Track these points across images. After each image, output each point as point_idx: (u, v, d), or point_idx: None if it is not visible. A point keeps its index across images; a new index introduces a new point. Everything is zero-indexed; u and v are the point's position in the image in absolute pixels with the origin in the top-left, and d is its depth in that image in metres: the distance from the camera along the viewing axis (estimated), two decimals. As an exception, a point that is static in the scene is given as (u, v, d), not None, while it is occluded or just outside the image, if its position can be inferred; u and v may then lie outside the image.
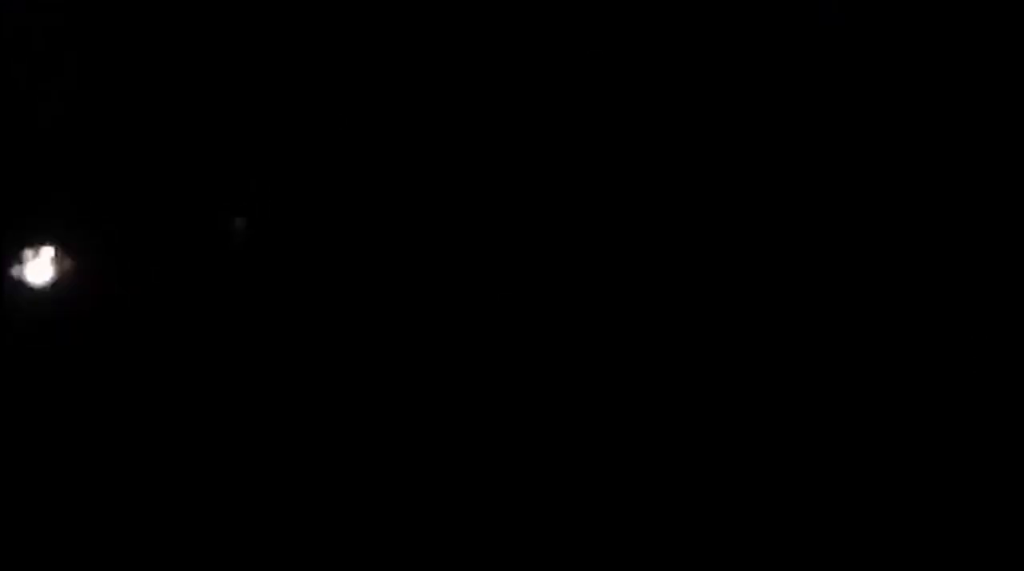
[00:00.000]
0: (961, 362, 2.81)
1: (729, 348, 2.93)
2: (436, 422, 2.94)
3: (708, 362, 2.93)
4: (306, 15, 3.13)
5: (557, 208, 3.07)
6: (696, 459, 2.83)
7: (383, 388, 2.99)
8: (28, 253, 3.01)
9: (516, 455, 2.88)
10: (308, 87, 3.14)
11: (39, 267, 3.02)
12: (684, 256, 3.01)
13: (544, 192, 3.08)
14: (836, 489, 2.74)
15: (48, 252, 3.02)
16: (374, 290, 3.08)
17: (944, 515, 2.66)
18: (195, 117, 3.12)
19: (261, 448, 2.92)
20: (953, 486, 2.69)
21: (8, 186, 3.04)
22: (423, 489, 2.85)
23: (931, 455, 2.74)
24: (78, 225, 3.07)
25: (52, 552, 2.78)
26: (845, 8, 2.91)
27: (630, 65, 3.08)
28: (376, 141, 3.14)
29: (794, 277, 2.96)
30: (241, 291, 3.07)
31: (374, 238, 3.11)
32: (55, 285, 3.01)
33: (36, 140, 3.07)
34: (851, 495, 2.72)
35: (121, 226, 3.08)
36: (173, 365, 3.01)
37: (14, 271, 3.00)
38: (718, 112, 3.04)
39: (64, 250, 3.03)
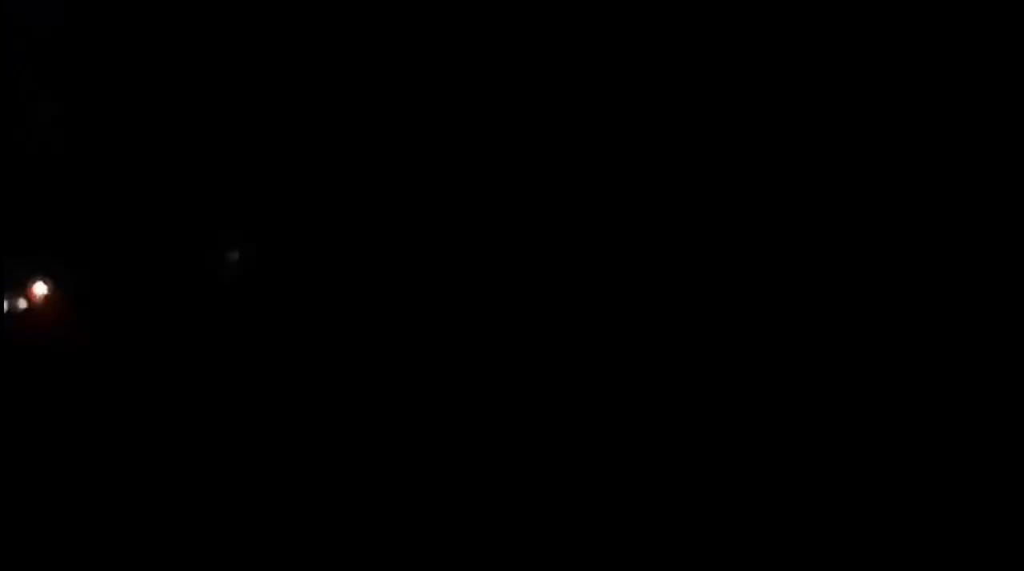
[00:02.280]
0: (961, 361, 2.80)
1: (729, 347, 2.93)
2: (434, 423, 2.95)
3: (707, 361, 2.93)
4: (291, 33, 3.14)
5: (556, 209, 3.08)
6: (695, 457, 2.83)
7: (379, 396, 3.00)
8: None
9: (515, 454, 2.88)
10: (293, 102, 3.16)
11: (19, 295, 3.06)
12: (681, 254, 3.02)
13: (543, 193, 3.09)
14: (836, 488, 2.73)
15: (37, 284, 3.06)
16: (369, 298, 3.10)
17: (944, 514, 2.65)
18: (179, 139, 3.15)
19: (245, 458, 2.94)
20: (953, 485, 2.68)
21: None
22: (422, 489, 2.86)
23: (931, 454, 2.73)
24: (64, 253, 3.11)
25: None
26: None
27: (628, 65, 3.09)
28: (367, 150, 3.16)
29: (790, 275, 2.96)
30: (235, 309, 3.10)
31: (370, 245, 3.13)
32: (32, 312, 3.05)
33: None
34: (851, 494, 2.72)
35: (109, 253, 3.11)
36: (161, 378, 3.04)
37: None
38: (716, 112, 3.05)
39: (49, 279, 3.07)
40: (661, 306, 3.00)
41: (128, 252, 3.13)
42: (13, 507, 2.84)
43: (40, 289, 3.04)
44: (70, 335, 3.04)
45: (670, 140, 3.06)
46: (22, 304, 3.04)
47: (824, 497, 2.72)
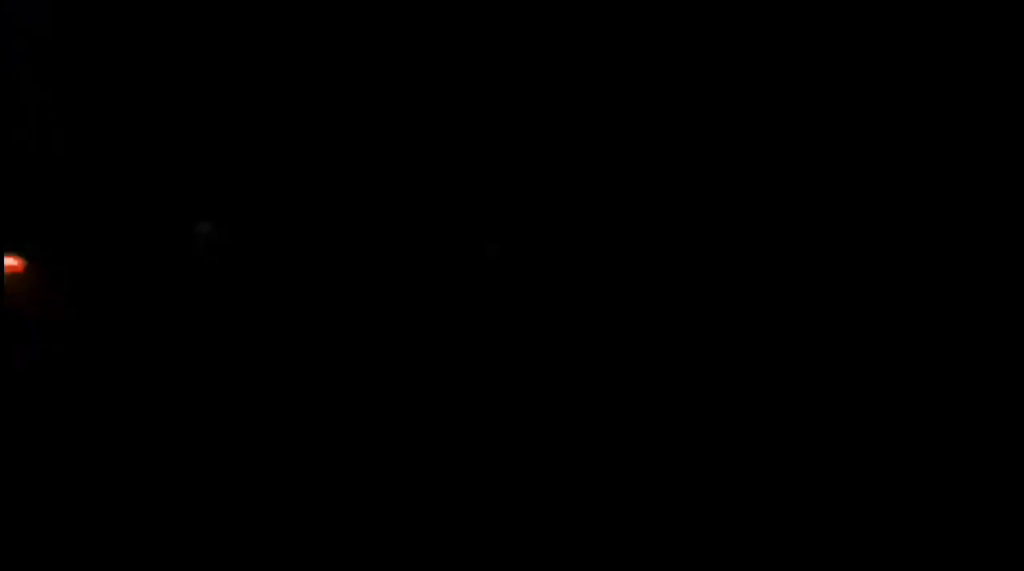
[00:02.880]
0: (961, 362, 2.80)
1: (729, 348, 2.93)
2: (431, 423, 2.94)
3: (708, 362, 2.93)
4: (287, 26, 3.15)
5: (555, 209, 3.08)
6: (696, 459, 2.83)
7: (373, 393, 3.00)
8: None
9: (515, 455, 2.88)
10: (287, 96, 3.16)
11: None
12: (681, 256, 3.02)
13: (542, 194, 3.09)
14: (836, 489, 2.73)
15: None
16: (365, 295, 3.10)
17: (944, 515, 2.65)
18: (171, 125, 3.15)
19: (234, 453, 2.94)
20: (953, 486, 2.68)
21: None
22: (420, 490, 2.86)
23: (931, 455, 2.73)
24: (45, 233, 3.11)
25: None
26: None
27: (626, 65, 3.10)
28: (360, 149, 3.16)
29: (789, 276, 2.96)
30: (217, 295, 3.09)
31: (365, 242, 3.13)
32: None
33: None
34: (851, 495, 2.72)
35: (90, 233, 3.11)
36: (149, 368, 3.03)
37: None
38: (714, 112, 3.05)
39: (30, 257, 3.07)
40: (661, 306, 3.00)
41: (128, 251, 3.13)
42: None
43: (11, 262, 3.03)
44: (52, 312, 3.03)
45: (670, 140, 3.07)
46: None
47: (824, 497, 2.72)
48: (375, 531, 2.80)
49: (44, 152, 3.13)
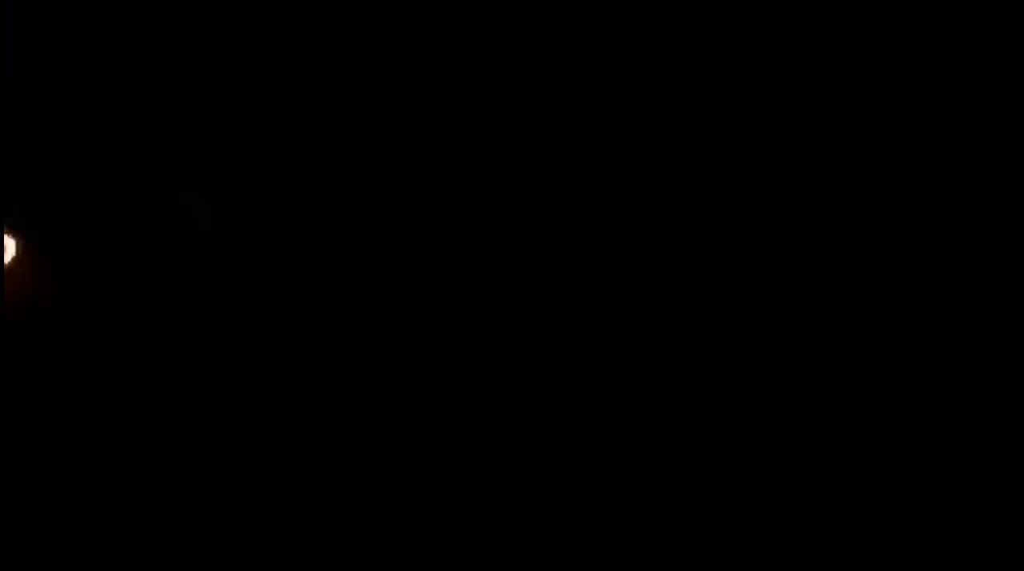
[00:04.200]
0: (961, 362, 2.81)
1: (728, 348, 2.94)
2: (428, 423, 2.95)
3: (708, 362, 2.93)
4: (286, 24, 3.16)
5: (555, 209, 3.09)
6: (696, 459, 2.83)
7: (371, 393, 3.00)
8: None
9: (515, 455, 2.89)
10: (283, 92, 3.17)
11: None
12: (681, 255, 3.03)
13: (542, 193, 3.10)
14: (836, 489, 2.74)
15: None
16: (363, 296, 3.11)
17: (944, 515, 2.65)
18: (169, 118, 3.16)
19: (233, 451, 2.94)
20: (953, 486, 2.69)
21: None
22: (419, 489, 2.86)
23: (931, 455, 2.74)
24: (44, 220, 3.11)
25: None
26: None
27: (626, 65, 3.10)
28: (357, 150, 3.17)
29: (788, 277, 2.96)
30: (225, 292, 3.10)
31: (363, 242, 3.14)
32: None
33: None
34: (851, 495, 2.72)
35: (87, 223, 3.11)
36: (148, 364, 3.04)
37: None
38: (714, 112, 3.06)
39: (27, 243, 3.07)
40: (661, 307, 3.00)
41: (127, 250, 3.14)
42: None
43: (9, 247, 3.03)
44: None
45: (672, 141, 3.07)
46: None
47: (824, 497, 2.73)
48: (375, 531, 2.81)
49: (44, 152, 3.13)
